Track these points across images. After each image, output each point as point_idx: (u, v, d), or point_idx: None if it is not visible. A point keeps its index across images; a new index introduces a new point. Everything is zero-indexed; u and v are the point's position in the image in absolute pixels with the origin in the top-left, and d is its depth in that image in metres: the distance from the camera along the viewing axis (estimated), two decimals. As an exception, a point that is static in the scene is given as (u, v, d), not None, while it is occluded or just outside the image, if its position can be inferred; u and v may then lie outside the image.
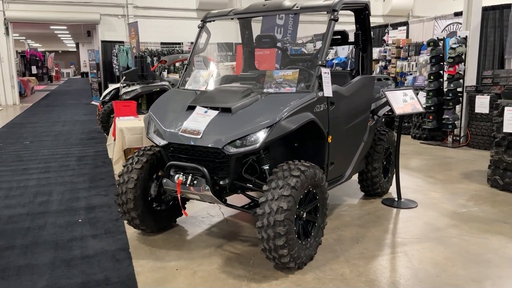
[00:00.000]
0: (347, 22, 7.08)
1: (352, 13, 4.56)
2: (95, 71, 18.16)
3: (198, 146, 3.48)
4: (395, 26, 11.80)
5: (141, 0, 18.26)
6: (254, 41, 5.22)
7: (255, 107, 3.59)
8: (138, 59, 7.86)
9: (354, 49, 5.16)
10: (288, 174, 3.27)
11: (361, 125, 4.56)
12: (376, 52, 11.61)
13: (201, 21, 4.64)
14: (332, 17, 3.87)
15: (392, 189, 5.39)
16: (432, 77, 8.57)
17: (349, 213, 4.73)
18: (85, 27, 23.24)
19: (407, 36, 11.42)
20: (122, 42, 17.46)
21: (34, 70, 29.11)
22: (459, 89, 8.41)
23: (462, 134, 8.56)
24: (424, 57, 10.21)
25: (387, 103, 5.04)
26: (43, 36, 34.26)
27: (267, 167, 3.61)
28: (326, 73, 3.74)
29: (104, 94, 9.51)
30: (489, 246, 3.86)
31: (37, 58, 31.37)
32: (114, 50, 16.40)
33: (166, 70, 11.11)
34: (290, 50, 6.61)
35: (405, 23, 11.54)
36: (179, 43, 14.42)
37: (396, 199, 5.09)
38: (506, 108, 5.34)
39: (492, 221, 4.49)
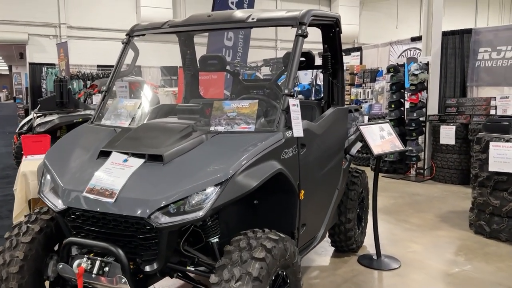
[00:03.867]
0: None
1: (317, 29, 3.66)
2: (21, 96, 16.28)
3: (111, 215, 2.34)
4: (348, 52, 11.29)
5: (76, 20, 16.77)
6: (197, 63, 4.19)
7: (199, 154, 2.52)
8: (57, 83, 6.54)
9: (320, 75, 4.25)
10: (248, 256, 2.19)
11: (335, 169, 3.60)
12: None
13: (126, 35, 3.54)
14: (299, 32, 2.92)
15: (367, 241, 4.46)
16: (393, 106, 7.94)
17: (322, 282, 3.70)
18: (16, 48, 21.23)
19: (361, 62, 10.92)
20: (54, 64, 15.81)
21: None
22: (422, 119, 7.82)
23: (426, 167, 7.94)
24: (381, 83, 9.68)
25: (358, 138, 4.16)
26: (-31, 57, 31.40)
27: (216, 240, 2.52)
28: (295, 106, 2.75)
29: (21, 124, 8.01)
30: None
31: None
32: (42, 74, 14.72)
33: (92, 96, 9.75)
34: (242, 74, 5.62)
35: (359, 49, 11.06)
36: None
37: (375, 257, 4.15)
38: (491, 144, 4.63)
39: (493, 286, 3.64)
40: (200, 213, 2.24)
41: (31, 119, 7.81)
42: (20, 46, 18.27)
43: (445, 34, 8.14)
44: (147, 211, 2.26)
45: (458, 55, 8.23)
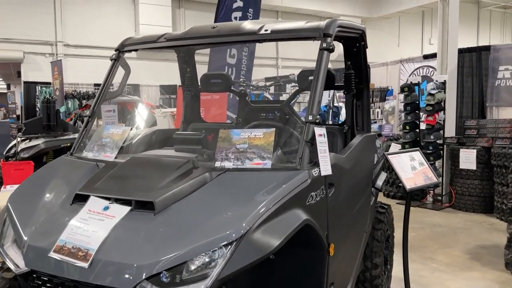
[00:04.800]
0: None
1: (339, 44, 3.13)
2: (14, 115, 15.76)
3: (85, 284, 1.75)
4: (354, 70, 10.80)
5: (73, 38, 16.35)
6: (199, 82, 3.65)
7: (201, 200, 1.96)
8: (44, 104, 5.99)
9: (344, 96, 3.70)
10: None
11: (363, 208, 3.03)
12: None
13: (116, 50, 3.01)
14: (324, 45, 2.39)
15: (393, 286, 3.86)
16: (407, 127, 7.39)
17: None
18: (14, 67, 20.84)
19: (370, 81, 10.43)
20: (49, 83, 15.33)
21: None
22: (439, 141, 7.27)
23: (444, 193, 7.35)
24: (391, 103, 9.17)
25: (383, 168, 3.60)
26: (-35, 76, 31.02)
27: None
28: (321, 136, 2.19)
29: (9, 146, 7.42)
30: None
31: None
32: (37, 93, 14.23)
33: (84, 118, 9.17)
34: (249, 95, 5.07)
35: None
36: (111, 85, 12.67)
37: (405, 308, 3.54)
38: (533, 173, 4.06)
39: None
40: (202, 287, 1.65)
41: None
42: (17, 64, 17.89)
43: (461, 51, 7.66)
44: (131, 281, 1.68)
45: (476, 74, 7.74)
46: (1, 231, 2.17)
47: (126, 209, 1.94)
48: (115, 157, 2.48)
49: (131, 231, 1.85)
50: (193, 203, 1.94)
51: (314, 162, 2.17)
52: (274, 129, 2.21)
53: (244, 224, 1.76)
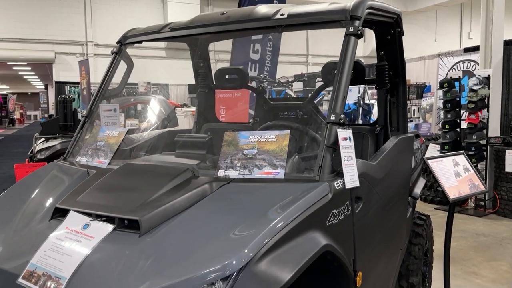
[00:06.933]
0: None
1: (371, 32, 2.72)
2: (46, 115, 16.02)
3: (52, 321, 1.45)
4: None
5: (103, 38, 16.44)
6: (213, 78, 3.32)
7: (196, 219, 1.62)
8: (61, 104, 5.82)
9: (368, 91, 3.26)
10: None
11: (399, 223, 2.60)
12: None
13: (118, 43, 2.71)
14: (351, 29, 1.99)
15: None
16: (447, 127, 6.81)
17: None
18: (49, 68, 21.34)
19: (404, 77, 9.83)
20: (78, 83, 15.48)
21: (-12, 113, 26.56)
22: (482, 142, 6.66)
23: (487, 198, 6.73)
24: (428, 100, 8.57)
25: (422, 173, 3.15)
26: (6, 77, 32.14)
27: None
28: (346, 140, 1.80)
29: (33, 147, 7.36)
30: None
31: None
32: (66, 92, 14.35)
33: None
34: (269, 92, 4.69)
35: (401, 62, 9.98)
36: (135, 84, 12.51)
37: (447, 334, 3.08)
38: None
39: None
40: None
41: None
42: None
43: (506, 43, 7.01)
44: (107, 321, 1.36)
45: (524, 68, 7.06)
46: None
47: (108, 228, 1.62)
48: (109, 163, 2.17)
49: (111, 257, 1.52)
50: (187, 222, 1.60)
51: (337, 172, 1.78)
52: (288, 131, 1.84)
53: (246, 251, 1.40)
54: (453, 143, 6.82)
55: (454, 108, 6.76)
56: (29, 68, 25.19)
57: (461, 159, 3.13)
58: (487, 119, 6.62)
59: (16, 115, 35.44)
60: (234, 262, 1.37)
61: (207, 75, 3.34)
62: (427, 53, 9.41)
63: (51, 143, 5.74)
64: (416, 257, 3.01)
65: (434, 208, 7.00)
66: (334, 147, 1.78)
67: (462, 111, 6.89)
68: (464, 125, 6.81)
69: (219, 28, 2.37)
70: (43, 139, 5.89)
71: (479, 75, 6.59)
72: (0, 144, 19.25)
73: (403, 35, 2.70)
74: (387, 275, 2.47)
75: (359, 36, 1.98)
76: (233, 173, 1.81)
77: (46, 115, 16.42)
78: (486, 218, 6.48)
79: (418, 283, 3.03)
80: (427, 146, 6.93)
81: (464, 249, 5.08)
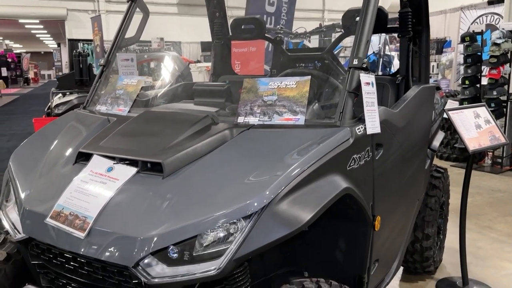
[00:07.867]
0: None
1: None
2: (60, 73, 16.06)
3: (82, 256, 1.51)
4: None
5: (115, -7, 16.16)
6: (229, 29, 3.26)
7: (218, 162, 1.64)
8: (76, 58, 5.81)
9: (398, 40, 3.17)
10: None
11: (417, 173, 2.60)
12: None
13: (132, -11, 2.65)
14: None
15: (446, 257, 3.46)
16: (467, 82, 6.65)
17: (392, 322, 2.77)
18: (62, 26, 21.18)
19: (423, 32, 9.53)
20: (91, 40, 15.37)
21: (4, 72, 26.64)
22: (502, 98, 6.51)
23: (505, 155, 6.66)
24: (448, 56, 8.33)
25: (441, 126, 3.12)
26: (19, 36, 32.05)
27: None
28: (369, 85, 1.77)
29: (50, 103, 7.43)
30: None
31: (9, 60, 28.91)
32: (79, 50, 14.29)
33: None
34: (287, 43, 4.60)
35: (421, 16, 9.64)
36: (148, 41, 12.32)
37: (460, 283, 3.15)
38: None
39: None
40: (213, 269, 1.35)
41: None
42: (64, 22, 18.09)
43: (534, -6, 6.69)
44: (133, 256, 1.41)
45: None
46: (3, 191, 1.97)
47: (131, 171, 1.65)
48: (129, 111, 2.19)
49: (136, 197, 1.56)
50: (209, 165, 1.62)
51: (359, 118, 1.77)
52: (309, 77, 1.81)
53: (267, 192, 1.42)
54: (472, 99, 6.68)
55: (475, 63, 6.57)
56: (41, 26, 25.02)
57: (483, 111, 3.07)
58: (509, 75, 6.44)
59: (31, 74, 35.60)
60: (256, 203, 1.40)
61: (223, 26, 3.28)
62: (449, 6, 9.03)
63: (67, 97, 5.79)
64: (432, 208, 3.02)
65: (450, 165, 6.95)
66: (356, 92, 1.75)
67: (483, 67, 6.70)
68: (484, 81, 6.64)
69: None
70: (60, 94, 5.93)
71: (503, 28, 6.35)
72: (16, 103, 19.50)
73: (428, -21, 2.59)
74: (404, 223, 2.50)
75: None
76: (252, 120, 1.81)
77: (60, 73, 16.45)
78: (502, 175, 6.44)
79: (433, 234, 3.06)
80: (445, 102, 6.81)
81: (479, 205, 5.08)
